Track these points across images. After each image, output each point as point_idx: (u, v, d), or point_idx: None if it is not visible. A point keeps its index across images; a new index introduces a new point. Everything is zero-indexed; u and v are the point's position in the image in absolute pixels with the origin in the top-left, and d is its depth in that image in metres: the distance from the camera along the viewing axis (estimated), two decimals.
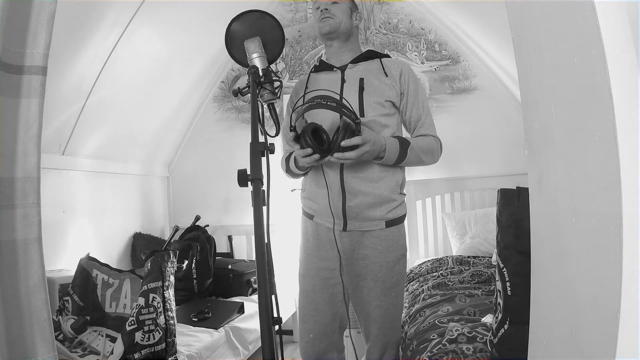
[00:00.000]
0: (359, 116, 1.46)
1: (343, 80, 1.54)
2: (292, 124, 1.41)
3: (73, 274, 2.12)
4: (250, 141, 0.96)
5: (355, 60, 1.57)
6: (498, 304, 1.22)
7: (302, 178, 1.65)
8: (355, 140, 1.34)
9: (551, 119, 0.64)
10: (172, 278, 1.93)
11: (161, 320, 1.79)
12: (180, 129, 3.55)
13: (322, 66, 1.61)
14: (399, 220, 1.55)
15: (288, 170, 1.62)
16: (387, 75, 1.53)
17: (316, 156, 1.37)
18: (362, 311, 1.57)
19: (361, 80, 1.51)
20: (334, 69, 1.58)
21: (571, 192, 0.60)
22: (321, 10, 1.53)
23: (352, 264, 1.54)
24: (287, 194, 3.19)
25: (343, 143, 1.34)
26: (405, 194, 1.59)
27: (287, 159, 1.60)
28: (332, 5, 1.53)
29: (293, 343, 3.14)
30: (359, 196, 1.48)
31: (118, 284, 2.04)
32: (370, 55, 1.59)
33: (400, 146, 1.46)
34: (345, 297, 1.56)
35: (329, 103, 1.34)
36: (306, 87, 1.60)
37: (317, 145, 1.36)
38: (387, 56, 1.62)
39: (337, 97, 1.45)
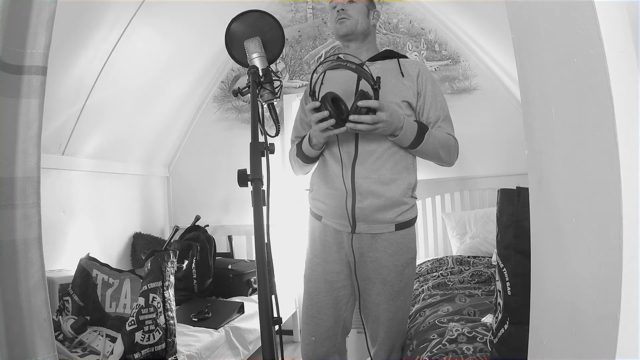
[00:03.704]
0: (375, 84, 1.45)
1: (359, 78, 1.52)
2: (312, 88, 1.41)
3: (73, 274, 2.12)
4: (250, 141, 0.96)
5: (373, 59, 1.56)
6: (498, 304, 1.22)
7: (311, 177, 1.63)
8: (372, 103, 1.32)
9: (551, 119, 0.64)
10: (172, 278, 1.93)
11: (161, 320, 1.79)
12: (180, 129, 3.55)
13: (342, 64, 1.59)
14: (409, 223, 1.53)
15: (299, 154, 1.57)
16: (403, 75, 1.52)
17: (332, 121, 1.34)
18: (370, 314, 1.55)
19: (378, 78, 1.50)
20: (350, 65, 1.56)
21: (571, 192, 0.60)
22: (337, 11, 1.53)
23: (361, 267, 1.52)
24: (287, 194, 3.19)
25: (360, 103, 1.32)
26: (416, 197, 1.56)
27: (299, 144, 1.57)
28: (348, 5, 1.52)
29: (293, 343, 3.14)
30: (370, 198, 1.45)
31: (118, 284, 2.04)
32: (388, 54, 1.58)
33: (418, 129, 1.43)
34: (358, 300, 1.54)
35: (348, 65, 1.35)
36: (322, 83, 1.58)
37: (335, 111, 1.34)
38: (404, 56, 1.60)
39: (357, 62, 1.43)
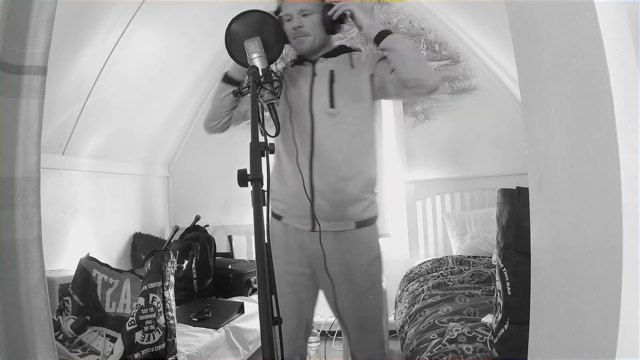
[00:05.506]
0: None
1: (314, 74, 1.51)
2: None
3: (73, 274, 2.12)
4: (250, 141, 0.96)
5: (327, 55, 1.54)
6: (498, 304, 1.22)
7: (270, 177, 1.60)
8: None
9: (551, 119, 0.64)
10: (172, 278, 1.93)
11: (161, 320, 1.79)
12: (180, 129, 3.55)
13: (298, 60, 1.58)
14: (371, 221, 1.51)
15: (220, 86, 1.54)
16: (353, 67, 1.50)
17: None
18: (341, 317, 1.54)
19: (331, 72, 1.48)
20: (305, 62, 1.54)
21: (571, 192, 0.60)
22: (294, 29, 1.45)
23: (324, 269, 1.49)
24: None
25: None
26: (377, 193, 1.54)
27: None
28: (304, 18, 1.45)
29: None
30: (329, 194, 1.43)
31: (118, 284, 2.04)
32: (341, 50, 1.56)
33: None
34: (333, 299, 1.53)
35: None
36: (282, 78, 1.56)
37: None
38: (359, 50, 1.59)
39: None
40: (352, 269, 1.47)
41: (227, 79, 1.53)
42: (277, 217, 1.55)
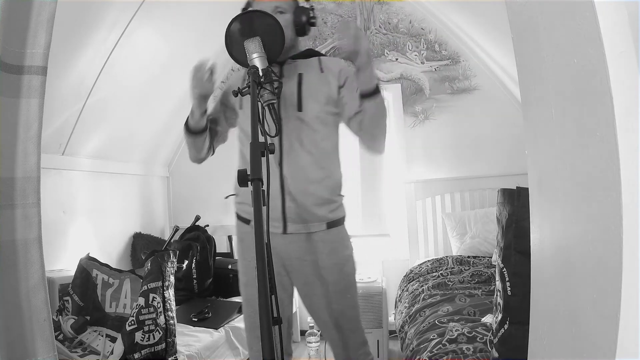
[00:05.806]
0: (298, 109, 1.45)
1: (281, 76, 1.50)
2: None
3: (73, 274, 2.12)
4: (250, 141, 0.96)
5: (295, 57, 1.53)
6: (498, 304, 1.22)
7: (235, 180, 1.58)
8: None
9: (551, 119, 0.64)
10: (172, 278, 1.93)
11: (161, 320, 1.79)
12: (181, 129, 3.51)
13: None
14: (340, 222, 1.51)
15: (186, 128, 1.59)
16: (322, 72, 1.49)
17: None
18: (319, 318, 1.53)
19: (300, 75, 1.48)
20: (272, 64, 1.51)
21: (571, 192, 0.60)
22: None
23: (298, 271, 1.49)
24: None
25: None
26: (343, 196, 1.55)
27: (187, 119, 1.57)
28: (278, 16, 1.42)
29: (293, 343, 3.14)
30: (299, 197, 1.43)
31: (118, 284, 2.04)
32: (310, 53, 1.56)
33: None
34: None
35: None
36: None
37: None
38: (325, 55, 1.59)
39: None
40: (327, 270, 1.46)
41: (190, 131, 1.58)
42: (246, 221, 1.52)
